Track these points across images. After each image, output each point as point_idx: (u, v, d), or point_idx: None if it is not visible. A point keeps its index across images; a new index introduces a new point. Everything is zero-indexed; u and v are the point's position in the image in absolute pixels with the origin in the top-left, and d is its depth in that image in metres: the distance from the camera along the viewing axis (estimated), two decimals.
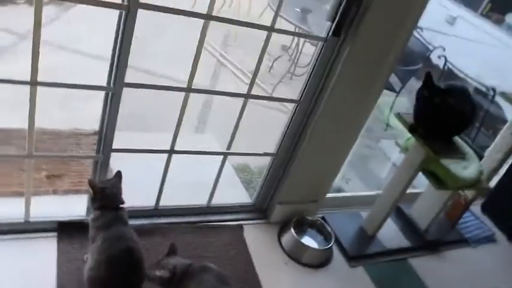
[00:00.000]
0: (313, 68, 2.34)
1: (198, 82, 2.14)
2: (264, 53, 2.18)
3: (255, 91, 2.29)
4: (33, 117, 1.95)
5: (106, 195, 2.01)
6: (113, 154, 2.20)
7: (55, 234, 2.27)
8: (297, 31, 4.79)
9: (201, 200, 2.69)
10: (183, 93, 2.15)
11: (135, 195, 2.72)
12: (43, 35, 1.81)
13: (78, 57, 4.55)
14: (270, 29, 2.13)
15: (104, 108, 2.08)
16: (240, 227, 2.63)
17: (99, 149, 2.18)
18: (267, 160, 2.68)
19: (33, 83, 1.86)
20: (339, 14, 2.16)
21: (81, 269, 2.14)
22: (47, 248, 2.18)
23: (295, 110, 2.44)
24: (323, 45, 2.27)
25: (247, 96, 2.27)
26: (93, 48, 4.69)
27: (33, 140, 2.02)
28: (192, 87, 2.11)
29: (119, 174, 2.09)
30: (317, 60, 2.31)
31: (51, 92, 1.99)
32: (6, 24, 4.60)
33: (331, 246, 2.67)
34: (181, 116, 2.18)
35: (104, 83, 2.06)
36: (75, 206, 2.47)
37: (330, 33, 2.22)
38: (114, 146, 2.16)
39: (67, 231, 2.29)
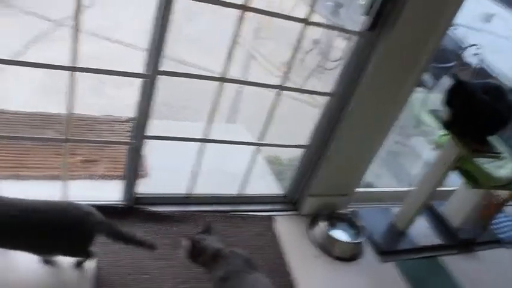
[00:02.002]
0: (347, 62, 2.32)
1: (228, 73, 2.14)
2: (299, 45, 2.16)
3: (285, 82, 2.28)
4: (72, 102, 1.99)
5: None
6: (147, 141, 2.22)
7: None
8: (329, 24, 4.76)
9: (230, 190, 2.70)
10: (215, 83, 2.15)
11: (167, 182, 2.77)
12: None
13: (109, 44, 4.61)
14: (306, 22, 2.12)
15: (139, 95, 2.10)
16: (271, 218, 2.64)
17: (133, 136, 2.20)
18: (298, 152, 2.67)
19: (73, 68, 1.89)
20: (375, 8, 2.14)
21: (115, 252, 2.19)
22: None
23: (328, 103, 2.42)
24: (358, 39, 2.25)
25: (282, 88, 2.27)
26: (125, 37, 4.75)
27: (71, 124, 2.06)
28: (227, 77, 2.11)
29: None
30: (351, 54, 2.29)
31: (84, 79, 2.02)
32: (43, 12, 4.68)
33: (363, 241, 2.64)
34: (215, 106, 2.19)
35: (134, 70, 2.08)
36: (109, 191, 2.51)
37: (365, 28, 2.19)
38: (148, 133, 2.17)
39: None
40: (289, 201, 2.78)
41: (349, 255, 2.60)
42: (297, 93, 4.57)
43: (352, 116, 2.39)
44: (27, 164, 2.70)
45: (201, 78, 2.14)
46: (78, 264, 2.05)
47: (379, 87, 2.34)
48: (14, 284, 1.94)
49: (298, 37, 2.16)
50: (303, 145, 2.56)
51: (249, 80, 4.64)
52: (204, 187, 2.61)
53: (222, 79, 2.11)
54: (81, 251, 2.00)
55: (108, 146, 2.93)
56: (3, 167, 2.57)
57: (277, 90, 2.29)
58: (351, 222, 2.76)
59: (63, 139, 2.10)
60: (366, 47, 2.25)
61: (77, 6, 1.77)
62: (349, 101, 2.37)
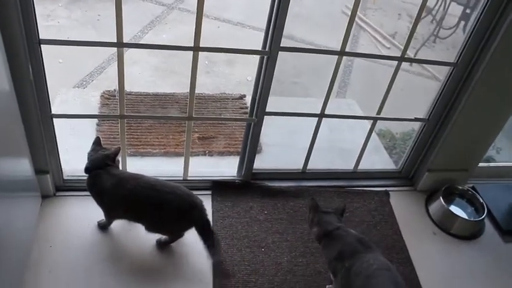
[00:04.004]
0: (473, 29, 2.16)
1: (337, 46, 2.10)
2: (422, 12, 2.06)
3: (394, 54, 2.18)
4: (195, 81, 2.08)
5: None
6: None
7: (209, 192, 2.43)
8: None
9: (343, 165, 2.69)
10: (326, 58, 2.12)
11: (280, 158, 2.82)
12: (188, 5, 1.89)
13: (219, 24, 4.72)
14: None
15: (258, 72, 2.14)
16: (386, 193, 2.59)
17: (252, 112, 2.25)
18: (410, 126, 2.58)
19: (196, 48, 1.96)
20: None
21: (233, 225, 2.28)
22: None
23: (450, 74, 2.29)
24: (486, 3, 2.09)
25: (401, 59, 2.18)
26: (233, 16, 4.84)
27: (193, 103, 2.15)
28: (346, 51, 2.08)
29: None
30: (478, 19, 2.13)
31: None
32: None
33: (484, 218, 2.52)
34: (333, 80, 2.17)
35: (245, 47, 2.10)
36: (227, 167, 2.61)
37: None
38: (268, 110, 2.21)
39: (220, 190, 2.44)
40: (405, 177, 2.71)
41: (469, 233, 2.49)
42: (408, 65, 4.41)
43: (477, 88, 2.24)
44: (148, 141, 2.89)
45: (320, 53, 2.14)
46: (164, 245, 2.15)
47: (510, 56, 2.17)
48: (138, 262, 2.10)
49: (422, 3, 2.05)
50: (421, 118, 2.46)
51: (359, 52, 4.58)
52: (318, 163, 2.62)
53: (342, 53, 2.08)
54: (180, 233, 2.13)
55: (223, 123, 3.04)
56: (127, 144, 2.76)
57: (397, 62, 2.21)
58: (471, 199, 2.63)
59: (186, 117, 2.20)
60: (495, 11, 2.07)
61: None
62: (474, 72, 2.23)
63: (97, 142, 2.11)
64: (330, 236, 1.91)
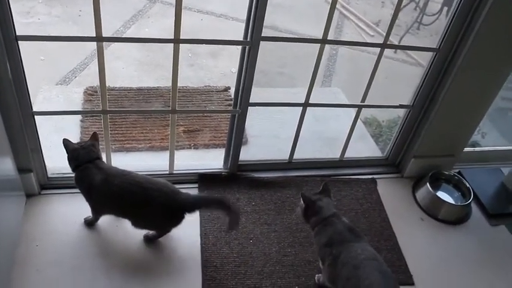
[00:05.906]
0: (454, 14, 2.17)
1: (321, 35, 2.09)
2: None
3: (378, 41, 2.18)
4: (177, 73, 2.06)
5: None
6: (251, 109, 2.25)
7: (196, 185, 2.42)
8: None
9: (329, 154, 2.69)
10: (310, 48, 2.11)
11: (266, 149, 2.82)
12: None
13: (202, 16, 4.69)
14: None
15: (240, 63, 2.12)
16: (373, 181, 2.60)
17: (236, 103, 2.24)
18: (396, 113, 2.58)
19: (177, 40, 1.94)
20: None
21: (221, 218, 2.27)
22: None
23: (433, 59, 2.30)
24: None
25: (384, 45, 2.18)
26: (216, 8, 4.81)
27: (176, 96, 2.13)
28: (328, 39, 2.07)
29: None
30: (459, 4, 2.14)
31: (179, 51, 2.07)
32: None
33: (470, 203, 2.53)
34: (317, 69, 2.16)
35: (231, 39, 2.10)
36: (213, 159, 2.61)
37: None
38: (252, 101, 2.20)
39: (206, 182, 2.43)
40: (391, 164, 2.72)
41: (456, 218, 2.51)
42: (393, 52, 4.42)
43: (460, 73, 2.25)
44: (133, 136, 2.87)
45: (301, 42, 2.13)
46: (152, 240, 2.14)
47: (491, 41, 2.16)
48: (126, 258, 2.09)
49: None
50: (406, 105, 2.47)
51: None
52: (304, 152, 2.62)
53: (324, 41, 2.07)
54: (168, 229, 2.11)
55: (208, 116, 3.02)
56: (112, 140, 2.74)
57: (379, 49, 2.21)
58: (457, 184, 2.65)
59: (170, 110, 2.19)
60: None
61: None
62: (456, 57, 2.23)
63: (68, 143, 2.02)
64: (324, 222, 1.91)
